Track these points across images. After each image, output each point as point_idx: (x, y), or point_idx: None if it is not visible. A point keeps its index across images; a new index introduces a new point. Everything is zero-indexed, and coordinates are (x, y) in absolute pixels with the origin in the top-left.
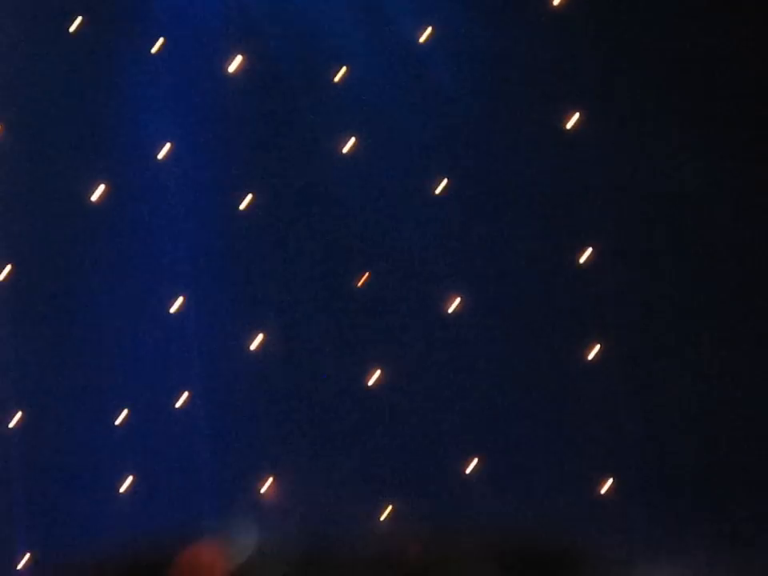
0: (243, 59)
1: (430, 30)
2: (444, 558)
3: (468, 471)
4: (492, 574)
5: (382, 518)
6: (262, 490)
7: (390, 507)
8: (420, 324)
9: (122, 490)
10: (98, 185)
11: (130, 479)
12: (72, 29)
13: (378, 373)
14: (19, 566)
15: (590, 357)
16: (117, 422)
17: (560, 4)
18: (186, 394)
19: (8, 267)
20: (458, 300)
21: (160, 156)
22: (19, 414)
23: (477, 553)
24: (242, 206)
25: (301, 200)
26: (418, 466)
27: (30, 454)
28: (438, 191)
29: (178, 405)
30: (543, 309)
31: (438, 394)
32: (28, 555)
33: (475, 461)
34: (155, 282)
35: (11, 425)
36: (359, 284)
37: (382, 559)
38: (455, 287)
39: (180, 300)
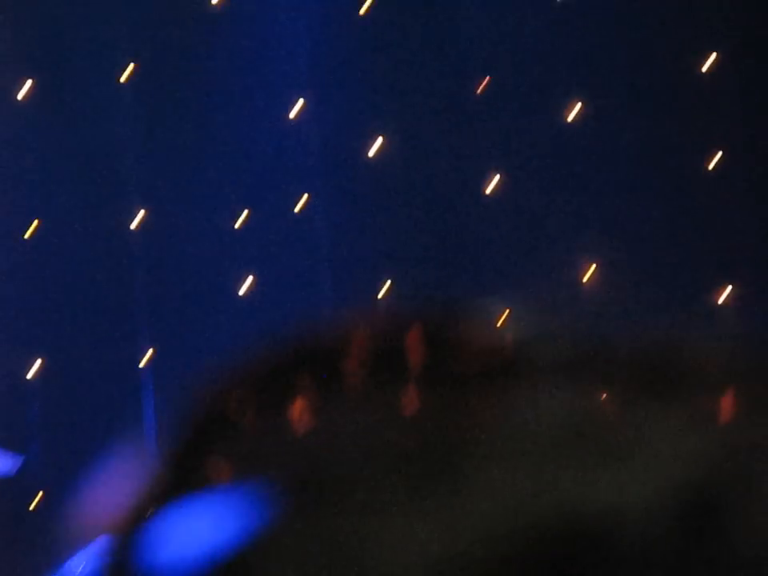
0: None
1: None
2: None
3: (585, 279)
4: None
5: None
6: (380, 295)
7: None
8: (538, 131)
9: (241, 292)
10: None
11: (249, 281)
12: None
13: (496, 179)
14: (141, 364)
15: (711, 165)
16: (236, 225)
17: None
18: (305, 198)
19: (131, 66)
20: (578, 106)
21: None
22: (141, 214)
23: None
24: (362, 11)
25: (420, 3)
26: (530, 269)
27: (151, 255)
28: None
29: (296, 209)
30: (664, 117)
31: (555, 202)
32: (150, 352)
33: (593, 268)
34: (275, 86)
35: (133, 225)
36: (479, 90)
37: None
38: (576, 94)
39: (300, 104)
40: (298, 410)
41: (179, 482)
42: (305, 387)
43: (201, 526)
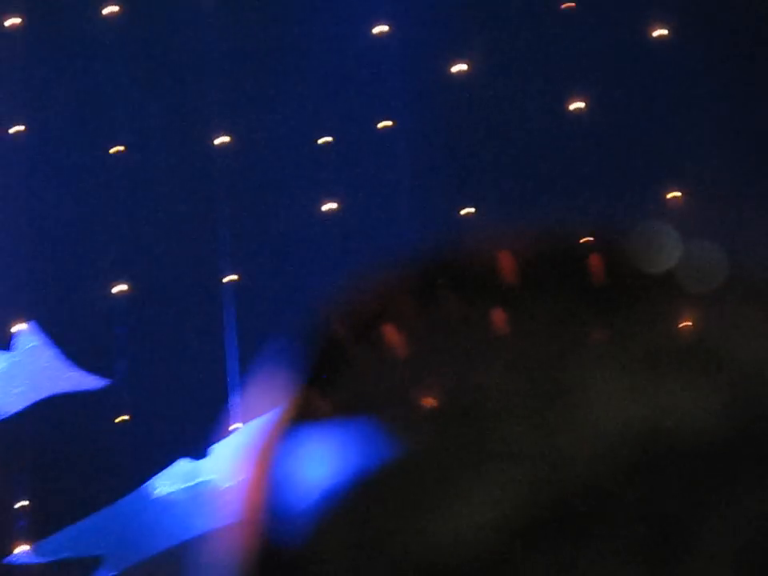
0: None
1: None
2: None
3: (668, 198)
4: None
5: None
6: (463, 212)
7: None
8: (622, 49)
9: (323, 208)
10: None
11: (333, 206)
12: None
13: (581, 105)
14: (225, 280)
15: None
16: (319, 141)
17: None
18: (386, 118)
19: None
20: (665, 32)
21: None
22: (225, 135)
23: None
24: None
25: None
26: (613, 189)
27: (235, 174)
28: None
29: (379, 128)
30: (753, 39)
31: (640, 121)
32: (236, 277)
33: (677, 195)
34: (359, 6)
35: (217, 141)
36: (562, 6)
37: None
38: (663, 14)
39: (385, 28)
40: (396, 337)
41: (293, 415)
42: (402, 312)
43: (314, 460)
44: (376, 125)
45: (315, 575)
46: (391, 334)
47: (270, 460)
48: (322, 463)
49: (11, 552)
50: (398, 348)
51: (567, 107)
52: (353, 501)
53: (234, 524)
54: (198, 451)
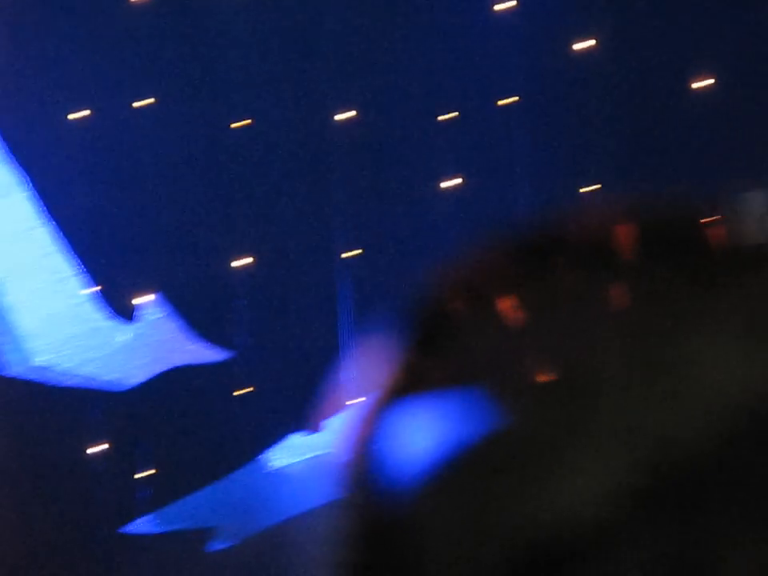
0: None
1: None
2: None
3: None
4: None
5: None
6: (585, 190)
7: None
8: (751, 30)
9: (443, 184)
10: None
11: (454, 183)
12: None
13: (707, 84)
14: (343, 255)
15: None
16: (440, 118)
17: None
18: (511, 100)
19: None
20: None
21: None
22: (352, 113)
23: None
24: None
25: None
26: (742, 175)
27: (354, 150)
28: None
29: (500, 102)
30: None
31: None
32: (355, 252)
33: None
34: None
35: (338, 116)
36: None
37: None
38: None
39: (512, 3)
40: (511, 308)
41: (401, 384)
42: (516, 284)
43: (420, 430)
44: (498, 101)
45: (418, 547)
46: (504, 305)
47: (374, 431)
48: (427, 434)
49: (129, 521)
50: (510, 320)
51: (692, 86)
52: (456, 472)
53: (339, 497)
54: (314, 425)
